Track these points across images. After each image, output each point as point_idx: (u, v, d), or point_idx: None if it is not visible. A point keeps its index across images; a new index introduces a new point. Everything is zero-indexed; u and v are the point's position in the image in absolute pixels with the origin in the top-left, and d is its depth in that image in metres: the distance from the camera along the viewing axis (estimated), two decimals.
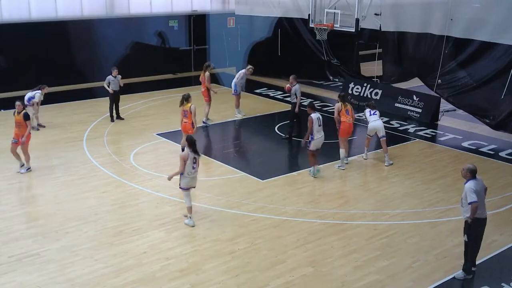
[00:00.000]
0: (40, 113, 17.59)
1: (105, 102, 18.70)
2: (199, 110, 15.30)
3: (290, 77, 16.63)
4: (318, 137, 13.49)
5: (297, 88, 16.52)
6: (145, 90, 23.12)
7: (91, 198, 12.36)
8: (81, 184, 13.22)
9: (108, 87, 18.06)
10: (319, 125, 13.49)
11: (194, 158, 10.86)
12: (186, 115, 14.41)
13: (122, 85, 18.32)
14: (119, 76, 18.18)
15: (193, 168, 10.89)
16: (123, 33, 24.68)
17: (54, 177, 13.73)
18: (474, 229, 9.18)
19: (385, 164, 14.71)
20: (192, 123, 14.31)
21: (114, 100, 18.41)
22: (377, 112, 14.93)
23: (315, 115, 13.43)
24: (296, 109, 16.53)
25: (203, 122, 18.11)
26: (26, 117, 13.39)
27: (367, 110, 15.01)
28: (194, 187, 11.27)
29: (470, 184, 9.01)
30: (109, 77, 18.07)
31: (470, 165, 9.20)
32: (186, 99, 14.42)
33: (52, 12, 23.15)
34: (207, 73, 17.93)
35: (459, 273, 9.41)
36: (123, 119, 18.70)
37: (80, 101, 21.24)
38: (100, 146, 15.88)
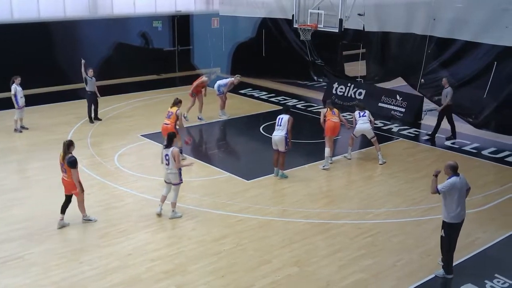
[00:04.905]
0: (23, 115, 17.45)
1: None
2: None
3: (443, 79, 16.90)
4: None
5: (449, 90, 16.60)
6: (129, 91, 22.99)
7: (75, 200, 12.24)
8: None
9: (86, 81, 17.97)
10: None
11: (166, 155, 11.28)
12: (169, 117, 14.46)
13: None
14: (94, 78, 18.15)
15: (166, 164, 11.36)
16: (106, 34, 24.52)
17: (38, 179, 13.65)
18: (445, 230, 9.33)
19: (379, 162, 14.83)
20: (175, 126, 14.41)
21: (93, 102, 18.34)
22: (367, 113, 14.99)
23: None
24: (439, 108, 16.89)
25: (198, 118, 18.74)
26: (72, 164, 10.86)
27: (357, 112, 15.11)
28: (168, 182, 11.50)
29: (454, 180, 9.11)
30: (85, 76, 17.99)
31: (451, 162, 9.35)
32: (176, 103, 14.73)
33: (35, 13, 22.96)
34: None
35: (439, 271, 9.52)
36: (101, 120, 18.65)
37: (63, 103, 21.05)
38: (84, 148, 15.78)
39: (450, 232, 9.29)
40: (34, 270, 9.48)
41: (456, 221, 9.23)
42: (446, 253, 9.42)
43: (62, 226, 11.03)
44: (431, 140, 16.99)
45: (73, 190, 11.02)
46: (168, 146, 11.30)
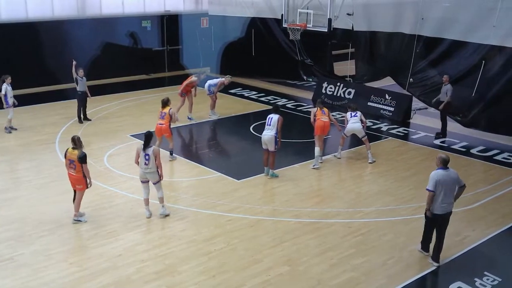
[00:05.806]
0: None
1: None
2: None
3: (444, 76, 16.94)
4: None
5: (449, 87, 16.66)
6: (119, 91, 22.92)
7: (64, 201, 12.18)
8: (54, 187, 13.07)
9: (76, 81, 17.91)
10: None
11: (146, 154, 11.10)
12: (163, 117, 14.47)
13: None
14: (85, 78, 18.08)
15: (145, 163, 11.13)
16: (95, 34, 24.45)
17: (27, 180, 13.56)
18: (426, 220, 9.73)
19: (369, 161, 14.89)
20: (169, 126, 14.50)
21: (83, 102, 18.26)
22: (358, 114, 15.02)
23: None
24: (441, 107, 16.86)
25: (188, 118, 18.63)
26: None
27: (349, 112, 15.18)
28: (145, 181, 11.40)
29: (436, 173, 9.35)
30: (76, 76, 17.91)
31: (442, 155, 9.60)
32: (165, 103, 14.62)
33: (23, 13, 22.82)
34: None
35: (418, 245, 10.06)
36: (90, 120, 18.58)
37: (52, 103, 20.96)
38: None
39: (430, 222, 9.64)
40: (23, 272, 9.41)
41: (438, 213, 9.45)
42: (424, 241, 9.91)
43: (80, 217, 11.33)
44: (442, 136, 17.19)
45: (78, 186, 11.05)
46: (147, 145, 11.14)
